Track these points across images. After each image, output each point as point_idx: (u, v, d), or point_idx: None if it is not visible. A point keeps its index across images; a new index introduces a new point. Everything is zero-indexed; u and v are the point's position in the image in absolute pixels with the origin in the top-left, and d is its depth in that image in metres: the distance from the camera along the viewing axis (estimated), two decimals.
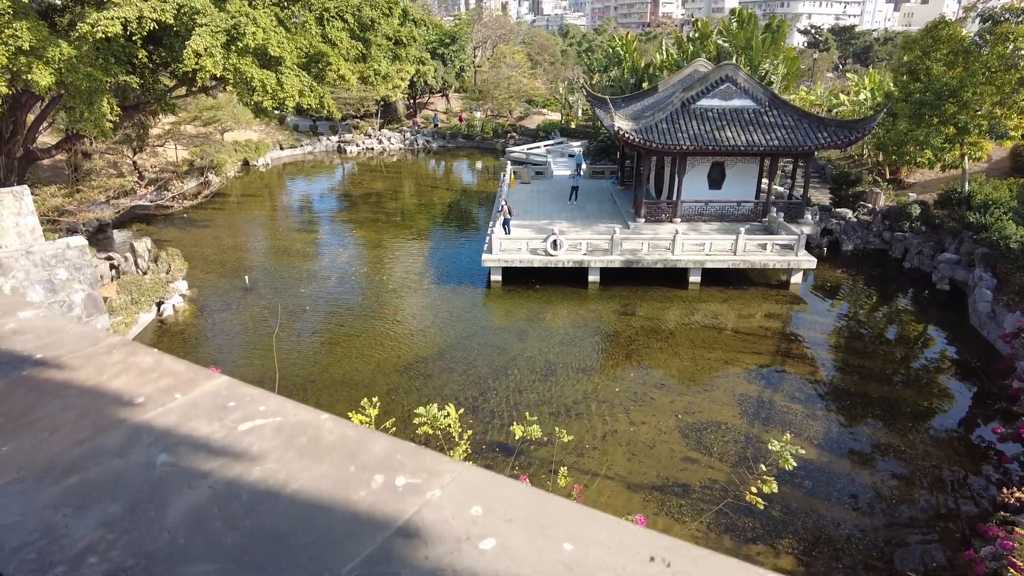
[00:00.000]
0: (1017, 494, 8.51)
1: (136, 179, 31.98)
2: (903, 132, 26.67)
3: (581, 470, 13.48)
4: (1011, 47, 25.31)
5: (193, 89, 25.34)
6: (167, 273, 22.12)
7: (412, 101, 66.08)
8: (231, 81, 20.05)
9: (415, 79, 58.73)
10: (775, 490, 5.30)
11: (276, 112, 26.87)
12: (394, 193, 40.91)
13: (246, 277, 24.06)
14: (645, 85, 42.36)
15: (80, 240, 9.98)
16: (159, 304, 21.06)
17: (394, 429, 6.20)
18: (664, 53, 45.91)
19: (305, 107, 23.03)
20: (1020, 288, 19.88)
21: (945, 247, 26.72)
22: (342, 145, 55.71)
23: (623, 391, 16.86)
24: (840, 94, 42.89)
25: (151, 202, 28.51)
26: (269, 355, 18.05)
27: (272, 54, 19.62)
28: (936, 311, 23.51)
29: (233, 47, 18.62)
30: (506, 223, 26.35)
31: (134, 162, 34.78)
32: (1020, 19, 25.54)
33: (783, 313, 22.89)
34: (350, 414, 5.67)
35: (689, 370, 18.28)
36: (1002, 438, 14.34)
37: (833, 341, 21.02)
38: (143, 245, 22.84)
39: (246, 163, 46.01)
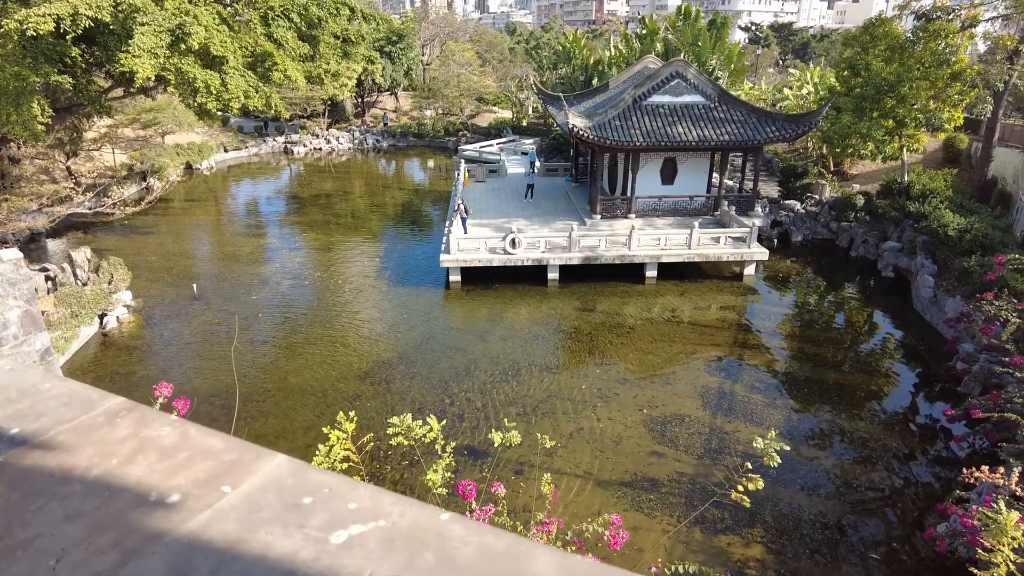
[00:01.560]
0: (976, 473, 8.80)
1: (72, 185, 30.45)
2: (847, 125, 27.53)
3: (551, 469, 13.40)
4: (943, 44, 26.37)
5: (131, 90, 24.28)
6: (109, 283, 21.09)
7: (360, 100, 65.02)
8: (172, 82, 19.25)
9: (363, 78, 57.79)
10: (760, 487, 5.29)
11: (221, 114, 25.99)
12: (345, 194, 40.13)
13: (194, 285, 23.16)
14: (595, 82, 42.68)
15: (14, 252, 9.33)
16: (102, 316, 20.06)
17: (372, 444, 5.96)
18: (613, 50, 46.33)
19: (251, 108, 22.31)
20: (959, 274, 20.73)
21: (888, 236, 27.72)
22: (289, 146, 54.40)
23: (588, 388, 16.86)
24: (784, 89, 44.09)
25: (89, 209, 27.19)
26: (224, 366, 17.40)
27: (215, 54, 18.93)
28: (882, 298, 24.38)
29: (178, 47, 17.88)
30: (463, 222, 26.11)
31: (68, 167, 33.13)
32: (950, 17, 26.66)
33: (738, 304, 23.33)
34: (325, 429, 5.40)
35: (650, 364, 18.43)
36: (951, 419, 14.91)
37: (787, 330, 21.53)
38: (82, 255, 21.72)
39: (189, 167, 44.43)
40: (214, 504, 0.97)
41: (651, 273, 24.58)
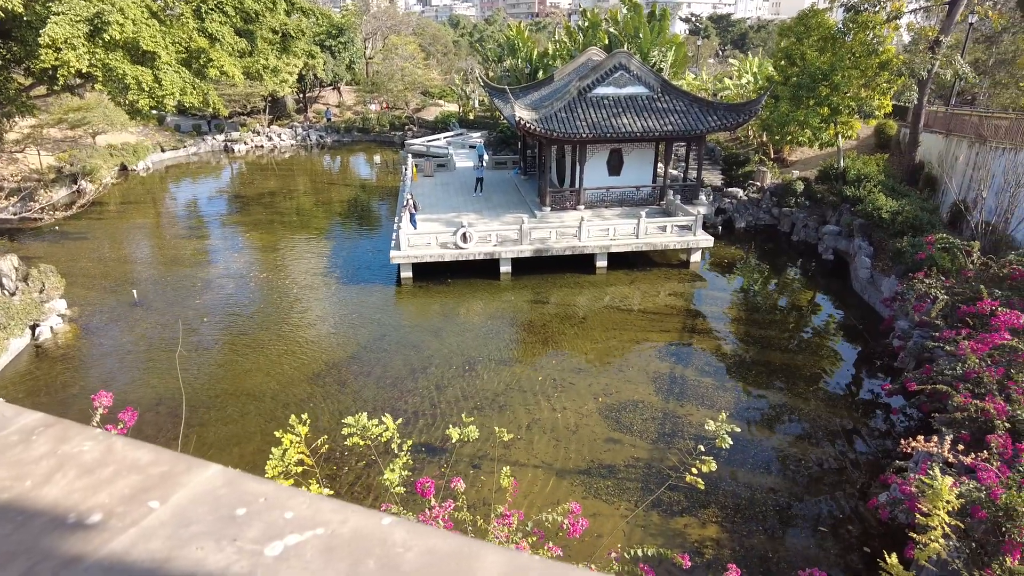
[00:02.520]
0: (913, 443, 9.23)
1: None
2: (785, 113, 28.35)
3: (509, 462, 13.43)
4: (871, 35, 27.40)
5: (55, 88, 23.05)
6: (40, 292, 20.08)
7: (302, 95, 63.60)
8: (100, 78, 18.35)
9: (304, 73, 56.52)
10: (714, 469, 5.41)
11: (155, 112, 24.95)
12: (289, 192, 39.20)
13: (134, 291, 22.27)
14: (541, 74, 42.78)
15: None
16: (34, 327, 19.10)
17: (326, 447, 5.84)
18: (556, 42, 46.48)
19: (187, 106, 21.49)
20: (893, 255, 21.65)
21: (827, 220, 28.75)
22: (229, 144, 52.79)
23: (544, 379, 16.96)
24: (725, 79, 45.08)
25: (14, 215, 25.77)
26: (169, 373, 16.80)
27: (145, 48, 18.12)
28: (823, 280, 25.28)
29: (98, 39, 16.96)
30: (412, 218, 25.85)
31: None
32: (876, 9, 27.71)
33: (686, 291, 23.82)
34: (278, 433, 5.27)
35: (604, 352, 18.65)
36: (890, 393, 15.59)
37: (733, 314, 22.10)
38: (8, 263, 20.58)
39: (124, 168, 42.62)
40: (140, 521, 0.90)
41: (601, 263, 24.86)
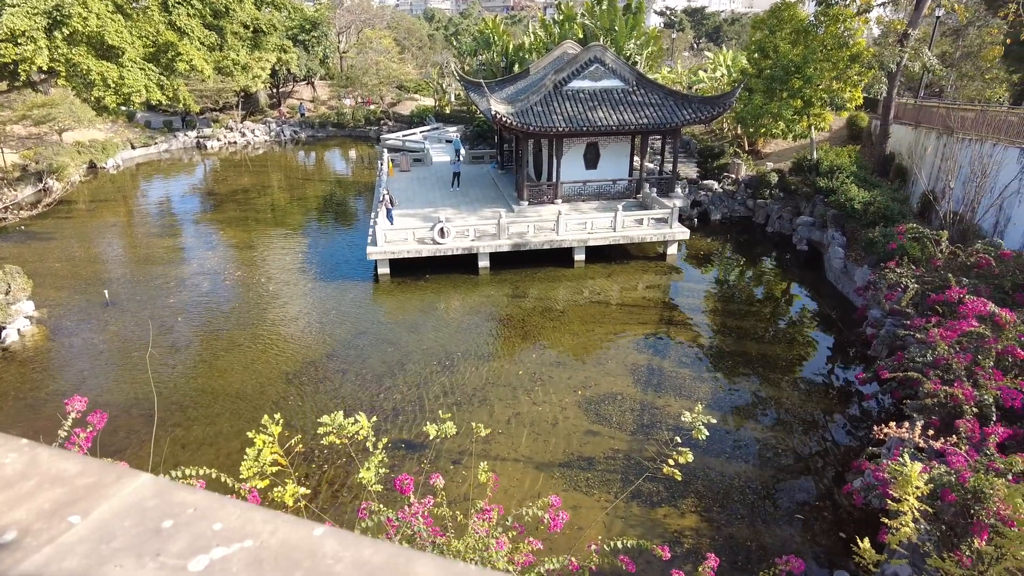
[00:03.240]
0: (886, 430, 9.40)
1: None
2: (759, 106, 28.62)
3: (490, 456, 13.44)
4: (842, 28, 27.75)
5: (16, 84, 22.45)
6: (6, 294, 19.59)
7: (275, 91, 62.83)
8: (63, 74, 17.87)
9: (277, 68, 55.78)
10: (690, 460, 5.45)
11: (124, 108, 24.39)
12: (263, 188, 38.69)
13: (106, 291, 21.83)
14: (516, 68, 42.70)
15: None
16: (0, 330, 18.64)
17: (300, 447, 5.77)
18: (532, 36, 46.38)
19: (156, 102, 21.04)
20: (866, 245, 21.99)
21: (801, 211, 29.11)
22: (202, 141, 51.96)
23: (523, 373, 16.97)
24: (699, 71, 45.35)
25: None
26: (142, 375, 16.51)
27: (111, 43, 17.69)
28: (797, 270, 25.62)
29: (58, 32, 16.47)
30: (389, 213, 25.67)
31: None
32: (847, 2, 28.07)
33: (663, 284, 23.98)
34: (250, 434, 5.19)
35: (582, 346, 18.71)
36: (863, 380, 15.84)
37: (710, 306, 22.31)
38: None
39: (93, 166, 41.72)
40: (58, 538, 0.84)
41: (579, 257, 24.93)
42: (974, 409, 11.24)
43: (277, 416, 5.21)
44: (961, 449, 9.23)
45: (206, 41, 21.81)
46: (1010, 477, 8.39)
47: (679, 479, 5.68)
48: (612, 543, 6.60)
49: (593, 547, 6.78)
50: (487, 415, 15.00)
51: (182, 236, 29.46)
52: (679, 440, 5.71)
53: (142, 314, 20.50)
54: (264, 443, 5.02)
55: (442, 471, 12.71)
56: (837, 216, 25.53)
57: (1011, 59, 34.68)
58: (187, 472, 5.72)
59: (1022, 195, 20.02)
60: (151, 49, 20.04)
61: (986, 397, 11.45)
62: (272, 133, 56.48)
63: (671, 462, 5.45)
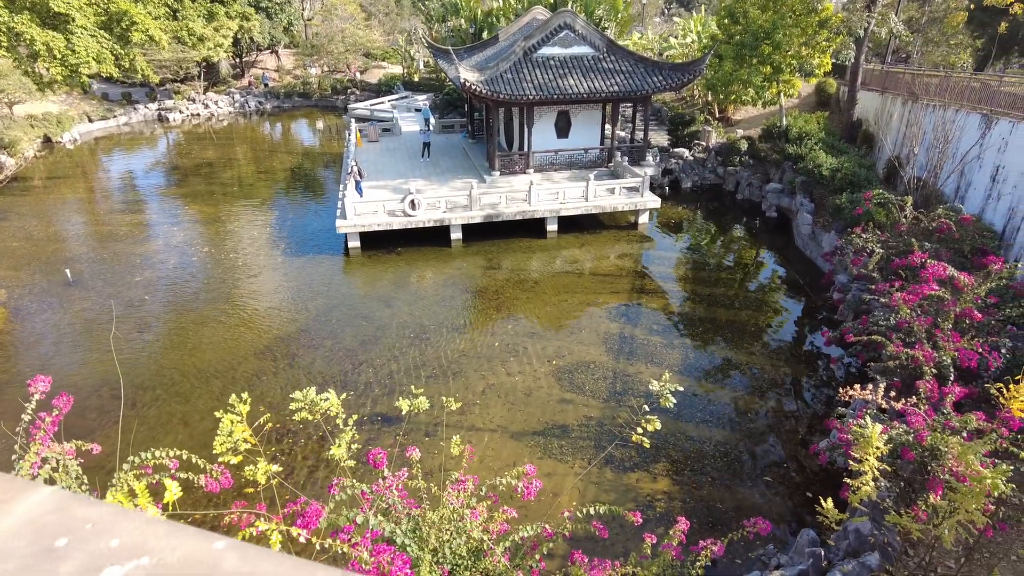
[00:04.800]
0: (850, 392, 9.67)
1: None
2: (729, 72, 28.59)
3: (465, 427, 13.55)
4: None
5: None
6: None
7: (239, 60, 61.00)
8: (4, 44, 17.05)
9: (239, 36, 54.12)
10: (659, 427, 5.55)
11: (75, 80, 23.42)
12: (228, 161, 37.78)
13: (67, 270, 21.26)
14: (485, 34, 41.96)
15: None
16: None
17: (269, 425, 5.74)
18: (501, 1, 45.51)
19: (107, 74, 20.22)
20: (833, 211, 22.33)
21: (771, 178, 29.37)
22: (163, 113, 50.35)
23: (498, 344, 17.05)
24: (670, 38, 45.07)
25: None
26: (110, 356, 16.20)
27: (57, 10, 16.89)
28: (767, 236, 25.95)
29: None
30: (357, 185, 25.33)
31: None
32: None
33: (635, 252, 24.13)
34: (218, 414, 5.14)
35: (556, 315, 18.82)
36: (828, 342, 16.24)
37: (681, 273, 22.55)
38: None
39: (48, 140, 40.23)
40: None
41: (552, 227, 24.92)
42: (933, 370, 11.61)
43: (245, 395, 5.17)
44: (921, 409, 9.54)
45: (161, 9, 20.97)
46: (964, 435, 8.72)
47: (648, 446, 5.79)
48: (585, 510, 6.73)
49: (567, 514, 6.91)
50: (462, 387, 15.07)
51: (146, 212, 28.73)
52: (647, 408, 5.80)
53: (106, 292, 20.05)
54: (232, 423, 4.99)
55: (417, 443, 12.80)
56: (805, 182, 25.82)
57: (975, 24, 35.07)
58: (158, 453, 5.66)
59: (982, 161, 20.44)
60: (103, 18, 19.20)
61: (944, 358, 11.82)
62: (236, 104, 54.97)
63: (640, 430, 5.55)
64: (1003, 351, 12.14)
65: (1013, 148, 19.09)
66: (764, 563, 10.13)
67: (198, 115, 52.08)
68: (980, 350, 11.93)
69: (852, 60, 29.48)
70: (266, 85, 58.44)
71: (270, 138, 46.60)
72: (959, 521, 6.85)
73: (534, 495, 6.75)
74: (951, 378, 11.63)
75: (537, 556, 6.75)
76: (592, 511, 6.69)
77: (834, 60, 30.96)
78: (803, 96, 35.89)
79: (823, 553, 9.29)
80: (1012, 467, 6.81)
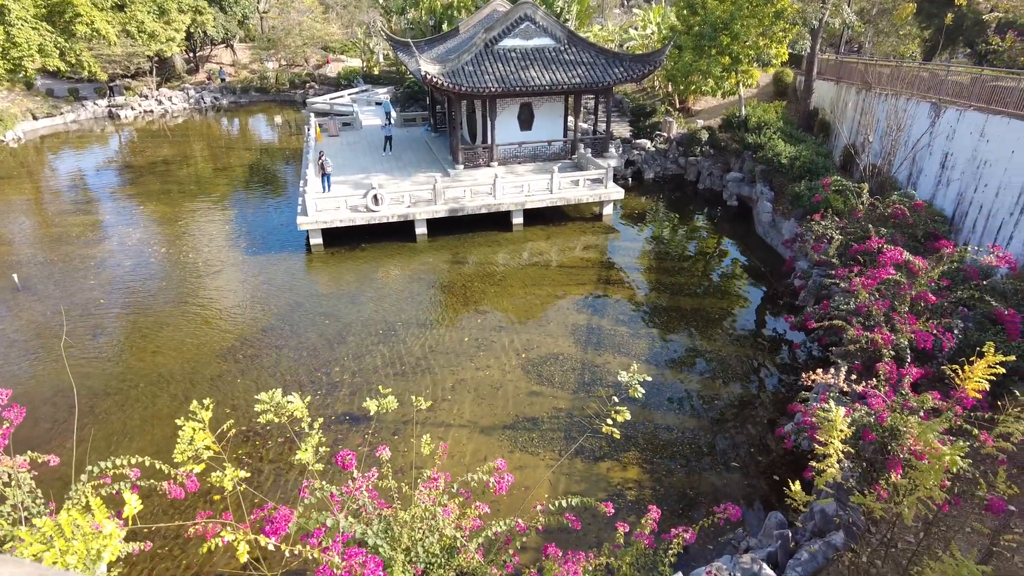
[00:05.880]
0: (813, 376, 9.87)
1: None
2: (688, 63, 28.87)
3: (435, 424, 13.47)
4: None
5: None
6: None
7: (192, 55, 59.38)
8: None
9: (192, 30, 52.67)
10: (628, 418, 5.57)
11: (17, 75, 22.43)
12: (185, 159, 36.79)
13: (15, 275, 20.45)
14: (445, 26, 41.60)
15: None
16: None
17: (233, 431, 5.59)
18: None
19: (53, 68, 19.42)
20: (792, 198, 22.76)
21: (731, 167, 29.80)
22: (114, 110, 48.69)
23: (466, 339, 16.97)
24: (630, 29, 45.31)
25: None
26: (62, 363, 15.64)
27: None
28: (728, 225, 26.35)
29: None
30: (326, 178, 25.00)
31: None
32: None
33: (600, 243, 24.26)
34: (178, 421, 4.98)
35: (524, 308, 18.82)
36: (792, 326, 16.57)
37: (646, 263, 22.75)
38: None
39: None
40: None
41: (517, 220, 24.88)
42: (892, 352, 11.92)
43: (207, 401, 5.01)
44: (880, 391, 9.79)
45: (108, 1, 20.21)
46: (922, 414, 8.97)
47: (618, 437, 5.80)
48: (558, 502, 6.73)
49: (539, 507, 6.91)
50: (431, 383, 14.97)
51: (99, 212, 27.80)
52: (616, 399, 5.82)
53: (58, 297, 19.35)
54: (194, 430, 4.84)
55: (387, 442, 12.68)
56: (765, 171, 26.26)
57: (922, 16, 36.01)
58: (118, 462, 5.47)
59: (932, 148, 21.05)
60: (43, 10, 18.41)
61: (902, 341, 12.15)
62: (191, 100, 53.52)
63: (609, 421, 5.56)
64: (956, 332, 12.53)
65: (960, 135, 19.69)
66: (735, 547, 10.31)
67: (151, 112, 50.56)
68: (935, 332, 12.30)
69: (808, 50, 30.05)
70: (223, 80, 57.04)
71: (227, 134, 45.52)
72: (919, 498, 7.05)
73: (506, 489, 6.73)
74: (908, 360, 11.96)
75: (511, 551, 6.74)
76: (564, 503, 6.70)
77: (791, 50, 31.50)
78: (761, 86, 36.47)
79: (791, 534, 9.48)
80: (967, 444, 7.03)
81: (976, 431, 8.23)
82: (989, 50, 33.05)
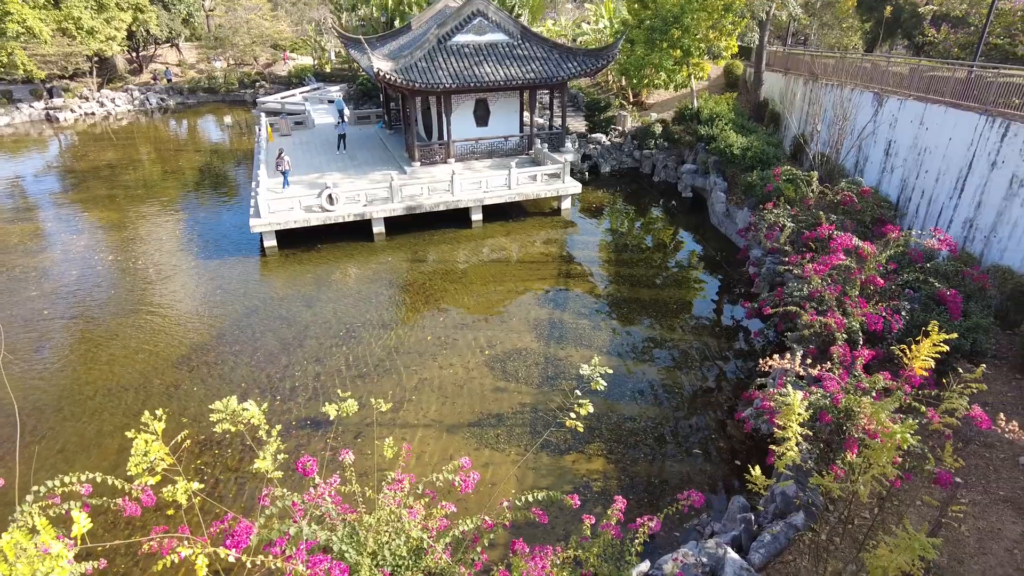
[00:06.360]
0: (770, 362, 10.08)
1: None
2: (641, 57, 29.18)
3: (399, 424, 13.34)
4: None
5: None
6: None
7: (135, 55, 57.45)
8: None
9: (134, 28, 50.94)
10: (591, 411, 5.59)
11: None
12: (131, 162, 35.59)
13: None
14: (397, 23, 41.19)
15: None
16: None
17: (188, 443, 5.42)
18: None
19: None
20: (745, 188, 23.23)
21: (685, 159, 30.26)
22: (52, 112, 46.76)
23: (428, 338, 16.84)
24: (582, 23, 45.56)
25: None
26: (8, 379, 14.96)
27: None
28: (684, 216, 26.76)
29: None
30: (285, 176, 24.63)
31: None
32: None
33: (559, 238, 24.36)
34: (130, 434, 4.79)
35: (486, 305, 18.78)
36: (749, 313, 16.92)
37: (604, 256, 22.94)
38: None
39: None
40: None
41: (476, 216, 24.81)
42: (845, 336, 12.26)
43: (160, 411, 4.84)
44: (835, 373, 10.06)
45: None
46: (874, 395, 9.25)
47: (582, 430, 5.82)
48: (524, 497, 6.73)
49: (506, 503, 6.90)
50: (394, 383, 14.82)
51: (40, 220, 26.68)
52: (579, 393, 5.84)
53: None
54: (147, 442, 4.66)
55: (349, 445, 12.51)
56: (718, 162, 26.74)
57: (863, 9, 37.12)
58: (67, 480, 5.24)
59: (876, 136, 21.72)
60: None
61: (854, 324, 12.51)
62: (136, 101, 51.78)
63: (572, 415, 5.58)
64: (903, 313, 12.96)
65: (902, 124, 20.37)
66: (700, 532, 10.48)
67: (93, 114, 48.73)
68: (884, 314, 12.69)
69: (757, 43, 30.67)
70: (169, 80, 55.38)
71: (175, 136, 44.20)
72: (873, 475, 7.26)
73: (472, 488, 6.70)
74: (860, 342, 12.32)
75: (479, 548, 6.71)
76: (531, 498, 6.70)
77: (740, 43, 32.15)
78: (713, 78, 37.10)
79: (753, 518, 9.68)
80: (916, 421, 7.27)
81: (924, 408, 8.53)
82: (926, 41, 34.29)
